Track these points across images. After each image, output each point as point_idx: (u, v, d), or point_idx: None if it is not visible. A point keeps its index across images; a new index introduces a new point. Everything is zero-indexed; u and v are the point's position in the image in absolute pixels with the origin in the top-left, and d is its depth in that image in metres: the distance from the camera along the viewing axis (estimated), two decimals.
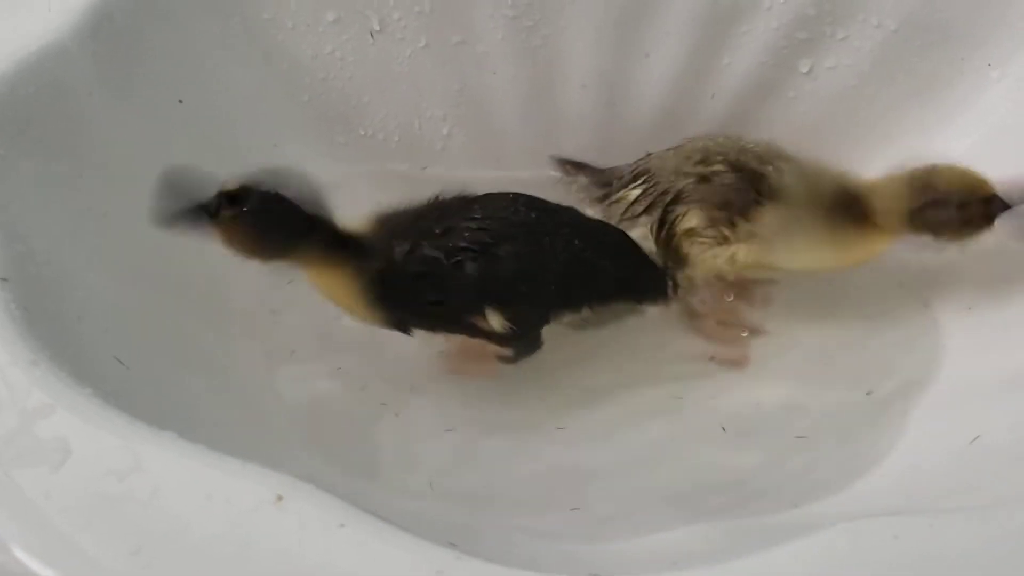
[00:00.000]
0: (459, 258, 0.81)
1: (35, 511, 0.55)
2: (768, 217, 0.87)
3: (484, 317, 0.83)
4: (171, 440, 0.60)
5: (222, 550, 0.53)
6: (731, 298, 0.98)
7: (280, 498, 0.55)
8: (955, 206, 0.81)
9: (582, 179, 1.05)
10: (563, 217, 0.88)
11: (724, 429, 0.89)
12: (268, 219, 0.78)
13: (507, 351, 0.90)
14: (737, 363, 0.94)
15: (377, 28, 1.06)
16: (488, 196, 0.87)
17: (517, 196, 0.87)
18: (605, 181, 1.02)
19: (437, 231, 0.83)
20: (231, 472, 0.57)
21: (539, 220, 0.85)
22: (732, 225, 0.88)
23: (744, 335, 0.96)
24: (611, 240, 0.90)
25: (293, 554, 0.53)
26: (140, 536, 0.53)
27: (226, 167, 0.99)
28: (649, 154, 0.99)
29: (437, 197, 0.87)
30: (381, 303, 0.83)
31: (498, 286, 0.82)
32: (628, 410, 0.92)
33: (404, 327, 0.87)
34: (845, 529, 0.54)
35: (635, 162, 1.00)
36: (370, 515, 0.55)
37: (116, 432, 0.59)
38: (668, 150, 0.98)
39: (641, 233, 0.93)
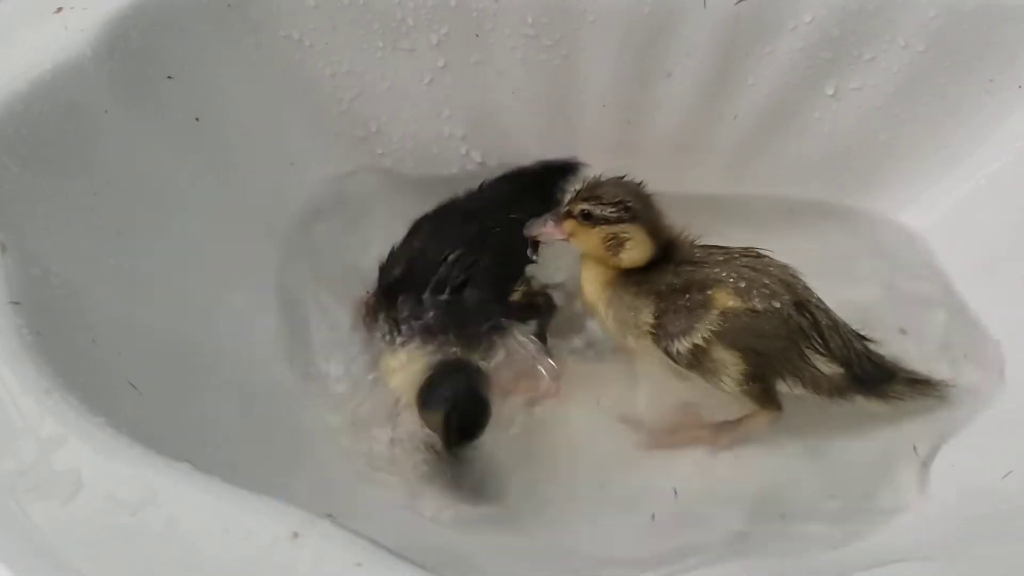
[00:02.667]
0: None
1: (46, 544, 0.54)
2: None
3: None
4: (185, 472, 0.58)
5: None
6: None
7: (296, 535, 0.54)
8: None
9: None
10: None
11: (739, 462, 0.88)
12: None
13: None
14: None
15: (395, 47, 1.04)
16: None
17: None
18: None
19: None
20: (246, 506, 0.56)
21: None
22: None
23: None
24: None
25: None
26: (151, 571, 0.52)
27: (242, 183, 1.01)
28: None
29: None
30: None
31: None
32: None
33: None
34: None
35: None
36: (388, 553, 0.54)
37: (129, 463, 0.58)
38: None
39: None
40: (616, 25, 1.01)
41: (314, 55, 1.05)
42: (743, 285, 0.85)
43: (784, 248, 0.90)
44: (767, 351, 0.85)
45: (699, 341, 0.85)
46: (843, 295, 0.91)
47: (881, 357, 0.89)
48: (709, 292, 0.86)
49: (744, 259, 0.88)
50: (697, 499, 0.85)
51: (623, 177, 0.90)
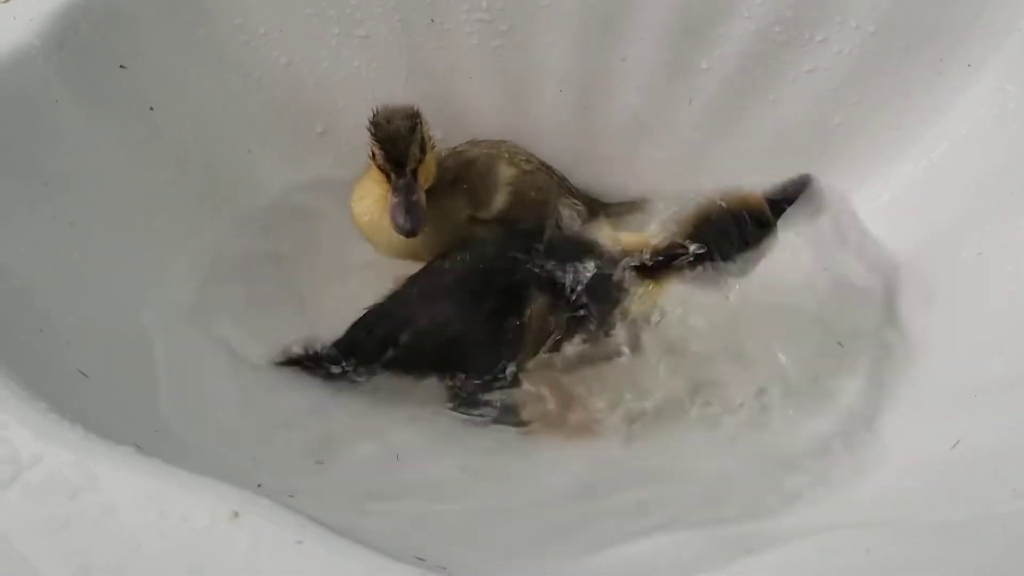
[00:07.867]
0: None
1: None
2: None
3: None
4: (127, 455, 0.58)
5: (173, 571, 0.52)
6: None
7: (236, 515, 0.54)
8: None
9: None
10: None
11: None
12: None
13: None
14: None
15: (350, 35, 1.04)
16: None
17: None
18: None
19: None
20: (187, 487, 0.56)
21: None
22: None
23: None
24: None
25: (246, 574, 0.51)
26: (88, 557, 0.52)
27: (198, 174, 1.01)
28: None
29: None
30: None
31: None
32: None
33: None
34: (817, 541, 0.53)
35: None
36: (328, 530, 0.54)
37: (70, 447, 0.58)
38: None
39: None
40: (570, 9, 1.02)
41: (269, 44, 1.04)
42: (507, 156, 1.01)
43: None
44: (543, 201, 1.01)
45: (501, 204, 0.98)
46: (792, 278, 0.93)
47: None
48: (494, 165, 0.99)
49: (484, 143, 1.03)
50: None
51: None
